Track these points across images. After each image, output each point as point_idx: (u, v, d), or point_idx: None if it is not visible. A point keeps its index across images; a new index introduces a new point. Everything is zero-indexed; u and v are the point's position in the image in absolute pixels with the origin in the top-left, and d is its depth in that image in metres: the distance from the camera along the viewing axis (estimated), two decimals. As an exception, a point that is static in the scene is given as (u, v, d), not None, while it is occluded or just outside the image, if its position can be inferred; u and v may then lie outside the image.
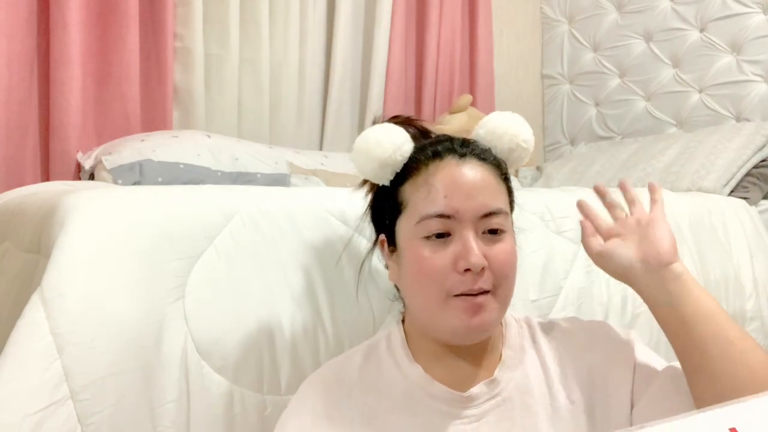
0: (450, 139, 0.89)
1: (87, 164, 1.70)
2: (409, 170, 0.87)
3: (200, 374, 0.93)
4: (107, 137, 1.82)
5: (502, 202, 0.85)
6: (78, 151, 1.75)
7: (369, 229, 0.96)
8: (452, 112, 2.33)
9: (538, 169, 2.55)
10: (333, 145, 2.29)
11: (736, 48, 2.41)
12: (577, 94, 2.82)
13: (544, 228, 1.28)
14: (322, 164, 1.93)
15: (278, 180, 1.78)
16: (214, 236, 0.97)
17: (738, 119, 2.38)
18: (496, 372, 0.86)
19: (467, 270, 0.80)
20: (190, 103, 2.00)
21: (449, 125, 2.20)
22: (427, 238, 0.83)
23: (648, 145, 2.32)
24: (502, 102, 2.80)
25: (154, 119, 1.93)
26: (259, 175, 1.76)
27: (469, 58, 2.70)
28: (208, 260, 0.96)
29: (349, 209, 1.07)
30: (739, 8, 2.40)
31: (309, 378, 0.89)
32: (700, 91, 2.48)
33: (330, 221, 1.05)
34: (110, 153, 1.67)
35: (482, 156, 0.87)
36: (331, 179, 1.82)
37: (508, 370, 0.86)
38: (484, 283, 0.81)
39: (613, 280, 1.32)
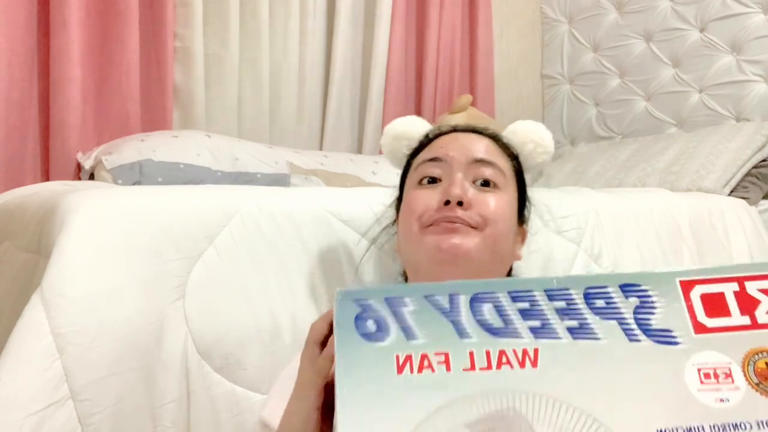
0: (462, 125, 0.94)
1: (87, 164, 1.70)
2: (423, 144, 0.92)
3: (200, 374, 0.93)
4: (107, 137, 1.82)
5: (498, 161, 0.86)
6: (78, 151, 1.75)
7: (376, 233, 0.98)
8: (452, 112, 2.33)
9: (538, 169, 2.55)
10: (333, 145, 2.29)
11: (736, 48, 2.41)
12: (577, 94, 2.82)
13: (544, 228, 1.28)
14: (322, 164, 1.93)
15: (278, 180, 1.78)
16: (215, 236, 0.97)
17: (738, 119, 2.38)
18: None
19: (447, 203, 0.80)
20: (190, 103, 2.00)
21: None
22: (420, 182, 0.85)
23: (648, 145, 2.32)
24: (502, 102, 2.80)
25: (154, 119, 1.93)
26: (259, 175, 1.76)
27: (469, 58, 2.70)
28: (209, 260, 0.96)
29: (349, 209, 1.07)
30: (739, 8, 2.40)
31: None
32: (700, 91, 2.48)
33: (330, 221, 1.05)
34: (110, 153, 1.67)
35: (490, 135, 0.91)
36: (331, 179, 1.82)
37: None
38: (464, 215, 0.79)
39: (613, 280, 1.33)
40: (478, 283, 0.58)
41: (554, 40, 2.90)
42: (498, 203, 0.82)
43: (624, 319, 0.57)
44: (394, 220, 0.96)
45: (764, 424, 0.53)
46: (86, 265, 0.88)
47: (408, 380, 0.55)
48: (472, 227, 0.79)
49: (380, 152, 2.32)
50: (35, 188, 1.40)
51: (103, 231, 0.91)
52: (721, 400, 0.54)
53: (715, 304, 0.58)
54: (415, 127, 0.95)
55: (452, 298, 0.58)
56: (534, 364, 0.55)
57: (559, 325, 0.57)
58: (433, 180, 0.84)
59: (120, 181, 1.59)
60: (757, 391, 0.55)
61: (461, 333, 0.57)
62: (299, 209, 1.04)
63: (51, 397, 0.82)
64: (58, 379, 0.83)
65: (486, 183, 0.83)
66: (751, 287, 0.58)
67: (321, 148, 2.30)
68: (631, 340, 0.56)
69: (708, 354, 0.56)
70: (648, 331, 0.56)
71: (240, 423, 0.96)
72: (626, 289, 0.58)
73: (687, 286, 0.58)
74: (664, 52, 2.57)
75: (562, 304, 0.57)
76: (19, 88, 1.71)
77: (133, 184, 1.58)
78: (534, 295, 0.57)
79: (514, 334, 0.56)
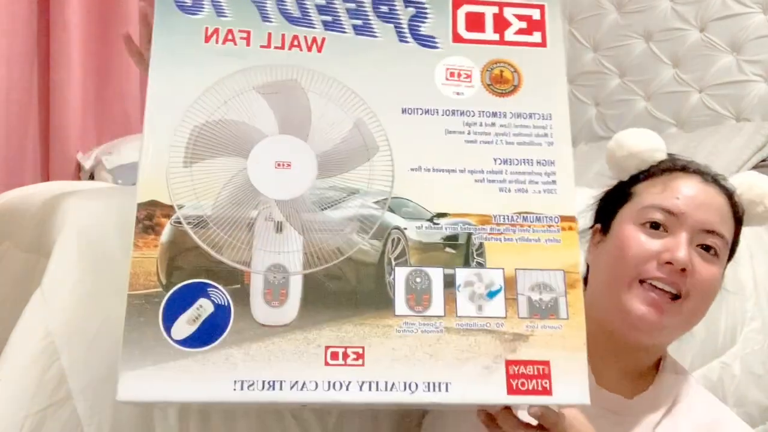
0: (698, 164, 0.91)
1: (87, 164, 1.70)
2: (651, 173, 0.90)
3: (201, 374, 0.93)
4: (107, 137, 1.82)
5: (726, 232, 0.85)
6: (78, 151, 1.75)
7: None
8: (452, 112, 2.33)
9: (538, 169, 2.54)
10: (333, 145, 2.29)
11: (736, 48, 2.41)
12: (577, 94, 2.82)
13: (545, 228, 1.27)
14: (322, 164, 1.92)
15: (278, 180, 1.77)
16: (215, 236, 0.97)
17: (738, 119, 2.38)
18: (635, 398, 0.86)
19: (668, 263, 0.81)
20: (190, 103, 2.00)
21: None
22: (643, 224, 0.84)
23: (648, 145, 2.31)
24: (502, 102, 2.79)
25: (154, 119, 1.93)
26: (259, 175, 1.76)
27: (469, 58, 2.70)
28: (209, 260, 0.96)
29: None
30: (739, 8, 2.40)
31: None
32: (700, 91, 2.48)
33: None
34: (110, 153, 1.67)
35: (725, 189, 0.88)
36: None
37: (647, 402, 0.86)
38: (680, 280, 0.81)
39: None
40: None
41: (554, 40, 2.90)
42: (712, 276, 0.83)
43: (400, 23, 0.73)
44: (591, 226, 0.94)
45: (485, 113, 0.71)
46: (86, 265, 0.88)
47: (213, 49, 0.68)
48: (676, 298, 0.81)
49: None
50: (35, 188, 1.39)
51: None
52: (458, 93, 0.71)
53: (475, 21, 0.74)
54: (653, 151, 0.90)
55: None
56: (319, 49, 0.70)
57: (347, 22, 0.72)
58: (656, 225, 0.84)
59: (120, 181, 1.59)
60: (488, 90, 0.72)
61: (264, 17, 0.70)
62: (299, 209, 1.04)
63: (51, 397, 0.82)
64: (59, 379, 0.83)
65: (707, 248, 0.83)
66: (508, 12, 0.74)
67: (321, 148, 2.29)
68: (401, 40, 0.72)
69: (457, 58, 0.72)
70: (416, 36, 0.73)
71: (242, 423, 0.95)
72: (408, 0, 0.74)
73: (457, 3, 0.74)
74: (664, 52, 2.57)
75: (353, 5, 0.72)
76: (19, 89, 1.71)
77: (133, 184, 1.58)
78: None
79: (309, 24, 0.71)
